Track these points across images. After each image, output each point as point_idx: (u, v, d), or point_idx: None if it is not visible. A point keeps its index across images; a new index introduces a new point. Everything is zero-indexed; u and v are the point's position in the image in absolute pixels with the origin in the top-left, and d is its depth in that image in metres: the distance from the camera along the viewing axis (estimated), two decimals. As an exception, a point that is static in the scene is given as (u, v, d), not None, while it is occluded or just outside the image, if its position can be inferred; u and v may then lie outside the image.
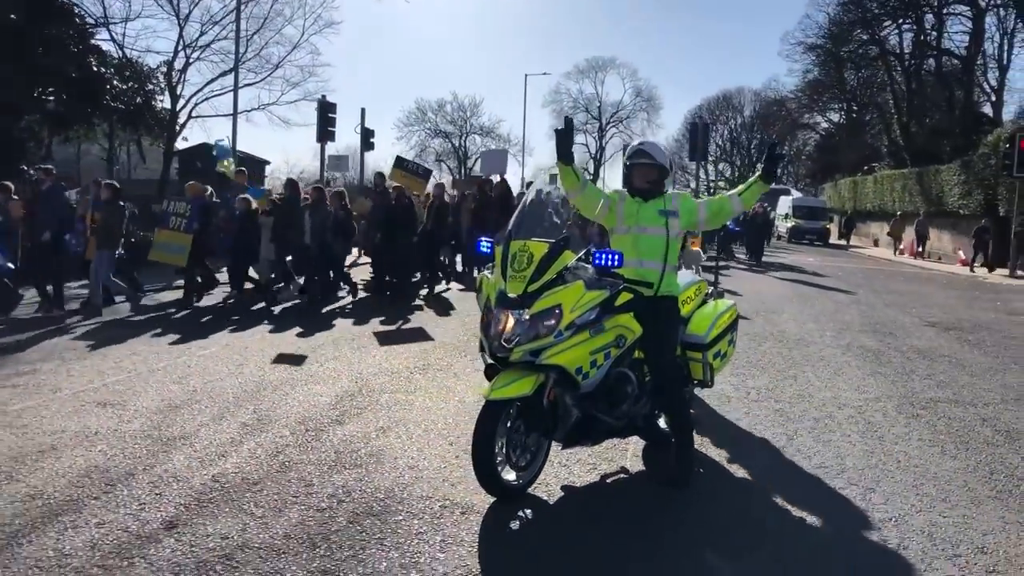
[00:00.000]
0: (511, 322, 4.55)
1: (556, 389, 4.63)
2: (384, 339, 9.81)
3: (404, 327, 10.81)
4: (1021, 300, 17.54)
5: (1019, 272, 24.06)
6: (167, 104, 27.28)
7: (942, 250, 31.76)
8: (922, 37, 44.62)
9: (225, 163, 16.20)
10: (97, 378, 7.33)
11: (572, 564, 3.93)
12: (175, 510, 4.35)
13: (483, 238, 5.27)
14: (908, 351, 10.07)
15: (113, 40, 25.53)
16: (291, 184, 13.85)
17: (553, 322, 4.48)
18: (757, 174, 5.16)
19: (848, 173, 51.96)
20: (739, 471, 5.34)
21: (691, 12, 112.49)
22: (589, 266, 4.74)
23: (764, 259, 26.67)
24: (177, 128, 27.54)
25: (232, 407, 6.44)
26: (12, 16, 17.67)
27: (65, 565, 3.68)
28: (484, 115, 75.83)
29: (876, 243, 41.02)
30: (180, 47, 27.73)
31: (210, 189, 13.47)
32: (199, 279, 12.82)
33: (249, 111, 30.92)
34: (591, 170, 77.36)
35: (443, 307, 12.93)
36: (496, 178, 18.19)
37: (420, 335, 10.13)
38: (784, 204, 45.45)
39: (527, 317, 4.51)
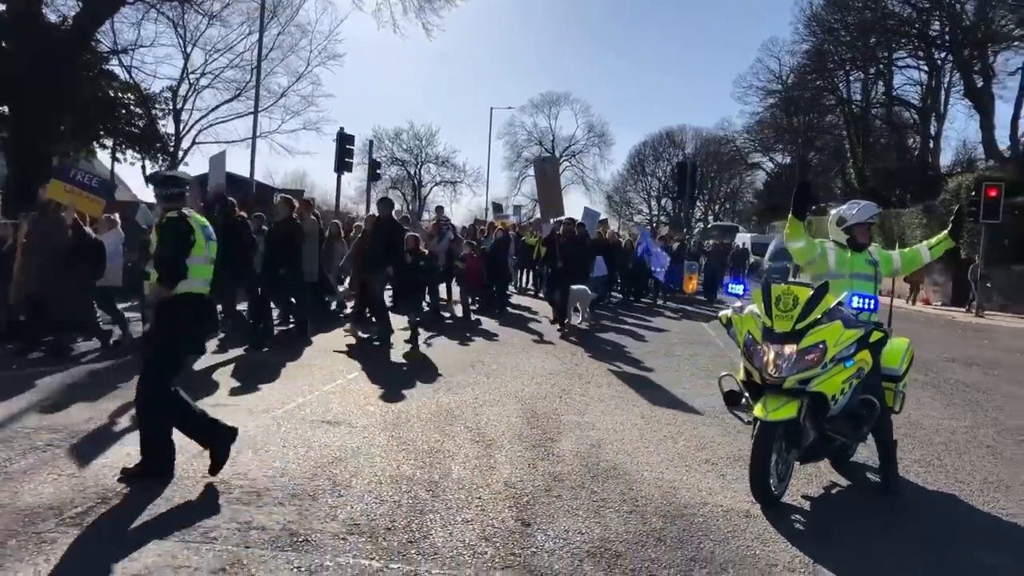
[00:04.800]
0: (772, 354, 5.43)
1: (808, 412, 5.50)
2: (500, 368, 10.56)
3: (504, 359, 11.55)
4: (1003, 337, 19.11)
5: (983, 313, 25.83)
6: (171, 129, 27.61)
7: (899, 290, 33.56)
8: (874, 87, 47.41)
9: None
10: (293, 397, 7.93)
11: (845, 550, 4.77)
12: (510, 511, 5.07)
13: (731, 282, 6.15)
14: (957, 384, 11.22)
15: (122, 65, 25.81)
16: None
17: (816, 356, 5.36)
18: (946, 231, 6.24)
19: (798, 213, 54.37)
20: (928, 483, 6.29)
21: (646, 51, 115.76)
22: (844, 308, 5.62)
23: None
24: (180, 154, 27.78)
25: (443, 425, 7.15)
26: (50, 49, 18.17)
27: (481, 554, 4.39)
28: (440, 144, 76.65)
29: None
30: (185, 74, 28.06)
31: None
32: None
33: (250, 138, 31.30)
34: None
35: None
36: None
37: (519, 364, 10.90)
38: (741, 240, 47.20)
39: (789, 351, 5.39)
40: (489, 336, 13.73)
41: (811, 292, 5.52)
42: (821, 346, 5.38)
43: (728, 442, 7.12)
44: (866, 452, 6.62)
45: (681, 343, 14.19)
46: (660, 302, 22.55)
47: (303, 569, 4.06)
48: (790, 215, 6.13)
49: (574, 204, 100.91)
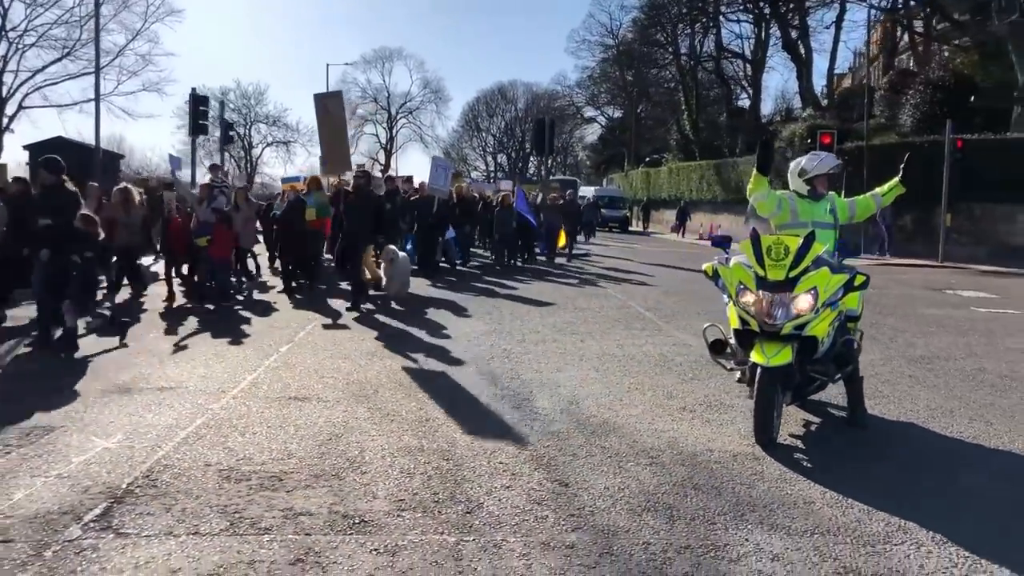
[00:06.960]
0: (767, 302, 5.66)
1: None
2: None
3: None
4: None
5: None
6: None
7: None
8: (703, 41, 49.38)
9: None
10: (244, 375, 7.53)
11: (858, 481, 5.09)
12: (540, 473, 5.06)
13: (717, 234, 6.31)
14: (845, 321, 12.01)
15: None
16: None
17: (811, 302, 5.61)
18: (897, 178, 6.62)
19: (633, 164, 56.35)
20: (884, 415, 6.76)
21: (480, 5, 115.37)
22: (826, 255, 5.89)
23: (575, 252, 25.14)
24: (4, 120, 25.27)
25: (413, 392, 7.03)
26: None
27: (543, 519, 4.38)
28: (270, 103, 73.97)
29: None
30: (3, 32, 25.49)
31: None
32: None
33: (84, 102, 28.96)
34: (382, 160, 77.53)
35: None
36: None
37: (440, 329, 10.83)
38: (586, 193, 48.46)
39: (786, 298, 5.62)
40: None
41: (800, 241, 5.76)
42: (814, 292, 5.64)
43: (692, 389, 7.37)
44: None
45: (582, 297, 14.48)
46: (521, 262, 21.37)
47: (381, 551, 3.91)
48: (754, 171, 6.35)
49: (417, 161, 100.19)
